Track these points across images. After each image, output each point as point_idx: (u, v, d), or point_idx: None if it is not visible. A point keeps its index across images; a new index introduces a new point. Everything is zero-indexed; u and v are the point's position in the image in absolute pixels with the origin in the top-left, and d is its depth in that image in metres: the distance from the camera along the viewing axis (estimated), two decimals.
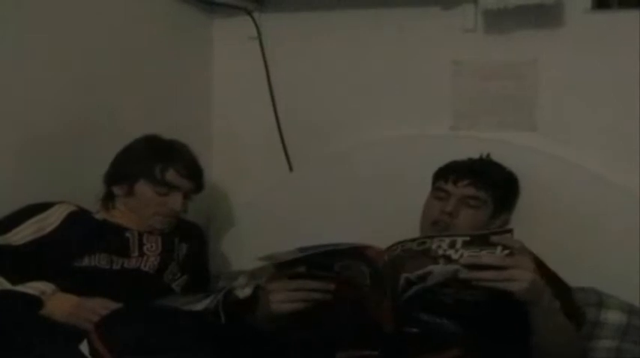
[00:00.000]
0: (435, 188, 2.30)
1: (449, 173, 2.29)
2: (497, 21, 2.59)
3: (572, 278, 2.16)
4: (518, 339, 1.89)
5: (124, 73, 2.67)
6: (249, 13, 2.91)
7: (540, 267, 2.15)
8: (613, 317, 2.31)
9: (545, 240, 2.30)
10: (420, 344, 1.85)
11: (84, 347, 1.76)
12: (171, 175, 2.40)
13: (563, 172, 2.51)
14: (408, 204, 2.32)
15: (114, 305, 2.05)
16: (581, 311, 2.10)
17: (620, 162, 2.48)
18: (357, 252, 1.75)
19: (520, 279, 1.72)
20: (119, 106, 2.65)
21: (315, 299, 1.79)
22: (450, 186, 2.25)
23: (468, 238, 1.74)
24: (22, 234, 2.25)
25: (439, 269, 1.74)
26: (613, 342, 2.27)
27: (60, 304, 2.09)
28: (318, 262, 1.77)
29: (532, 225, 2.38)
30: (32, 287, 2.11)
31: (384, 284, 1.77)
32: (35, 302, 2.07)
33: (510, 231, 1.80)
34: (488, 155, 2.41)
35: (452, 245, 1.73)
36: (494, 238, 1.74)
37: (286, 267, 1.81)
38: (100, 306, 2.03)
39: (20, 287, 2.11)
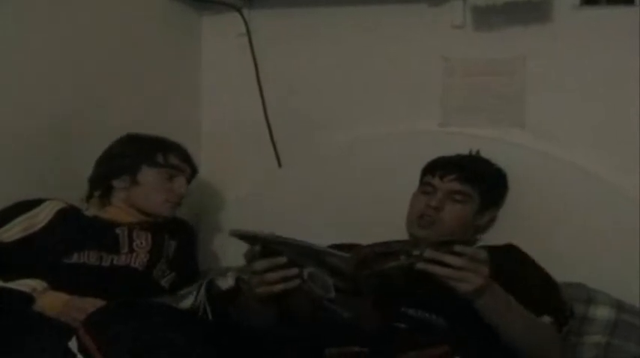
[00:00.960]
0: (422, 183, 2.31)
1: (436, 168, 2.30)
2: (486, 17, 2.60)
3: (562, 274, 2.17)
4: None
5: (113, 70, 2.67)
6: (238, 10, 2.90)
7: (527, 263, 2.17)
8: (602, 313, 2.31)
9: (533, 236, 2.32)
10: (409, 340, 1.85)
11: (73, 344, 1.76)
12: (173, 159, 2.44)
13: (552, 168, 2.52)
14: (398, 200, 2.32)
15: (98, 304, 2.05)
16: (567, 306, 2.10)
17: (609, 159, 2.49)
18: (321, 260, 1.76)
19: (467, 282, 1.75)
20: (108, 104, 2.64)
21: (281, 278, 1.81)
22: (436, 181, 2.26)
23: (431, 244, 1.78)
24: (12, 232, 2.25)
25: (398, 262, 1.77)
26: (602, 338, 2.28)
27: (50, 302, 2.08)
28: (291, 259, 1.79)
29: (520, 221, 2.39)
30: (23, 284, 2.11)
31: (360, 285, 1.77)
32: (26, 299, 2.07)
33: (474, 241, 1.86)
34: (477, 151, 2.42)
35: (415, 245, 1.78)
36: (458, 248, 1.75)
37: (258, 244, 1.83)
38: (90, 305, 2.03)
39: (11, 284, 2.11)
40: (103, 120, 2.61)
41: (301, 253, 1.78)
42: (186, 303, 2.07)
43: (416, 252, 1.74)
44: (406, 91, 2.74)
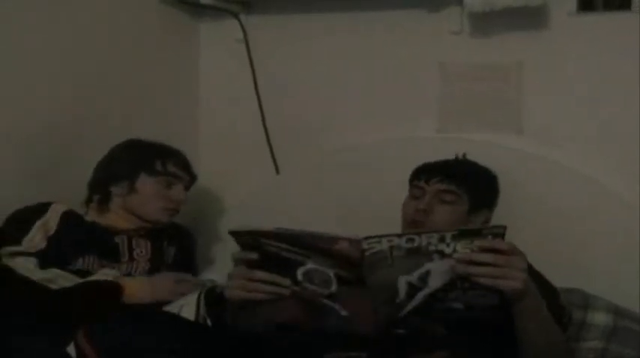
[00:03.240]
0: (411, 187, 2.31)
1: (422, 172, 2.30)
2: (483, 23, 2.60)
3: (559, 279, 2.17)
4: (506, 341, 1.89)
5: (111, 76, 2.68)
6: (236, 17, 2.91)
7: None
8: (599, 318, 2.31)
9: (530, 241, 2.30)
10: (407, 346, 1.85)
11: (71, 350, 1.76)
12: (172, 166, 2.44)
13: (549, 174, 2.52)
14: (395, 206, 2.32)
15: (179, 275, 2.31)
16: (566, 311, 2.10)
17: (607, 164, 2.49)
18: (328, 249, 1.70)
19: (513, 278, 1.69)
20: (106, 109, 2.65)
21: (270, 292, 1.74)
22: (423, 184, 2.25)
23: (456, 232, 1.69)
24: (36, 240, 2.22)
25: (436, 267, 1.69)
26: (599, 343, 2.28)
27: (136, 288, 2.20)
28: (283, 259, 1.72)
29: (517, 226, 2.37)
30: (104, 275, 2.20)
31: (366, 284, 1.74)
32: (116, 288, 2.17)
33: (503, 227, 1.72)
34: (464, 155, 2.41)
35: (441, 239, 1.68)
36: (490, 242, 1.68)
37: (250, 240, 1.76)
38: (168, 280, 2.25)
39: (95, 277, 2.19)
40: (100, 126, 2.61)
41: (304, 245, 1.71)
42: (188, 314, 2.06)
43: (447, 250, 1.67)
44: (404, 97, 2.74)
